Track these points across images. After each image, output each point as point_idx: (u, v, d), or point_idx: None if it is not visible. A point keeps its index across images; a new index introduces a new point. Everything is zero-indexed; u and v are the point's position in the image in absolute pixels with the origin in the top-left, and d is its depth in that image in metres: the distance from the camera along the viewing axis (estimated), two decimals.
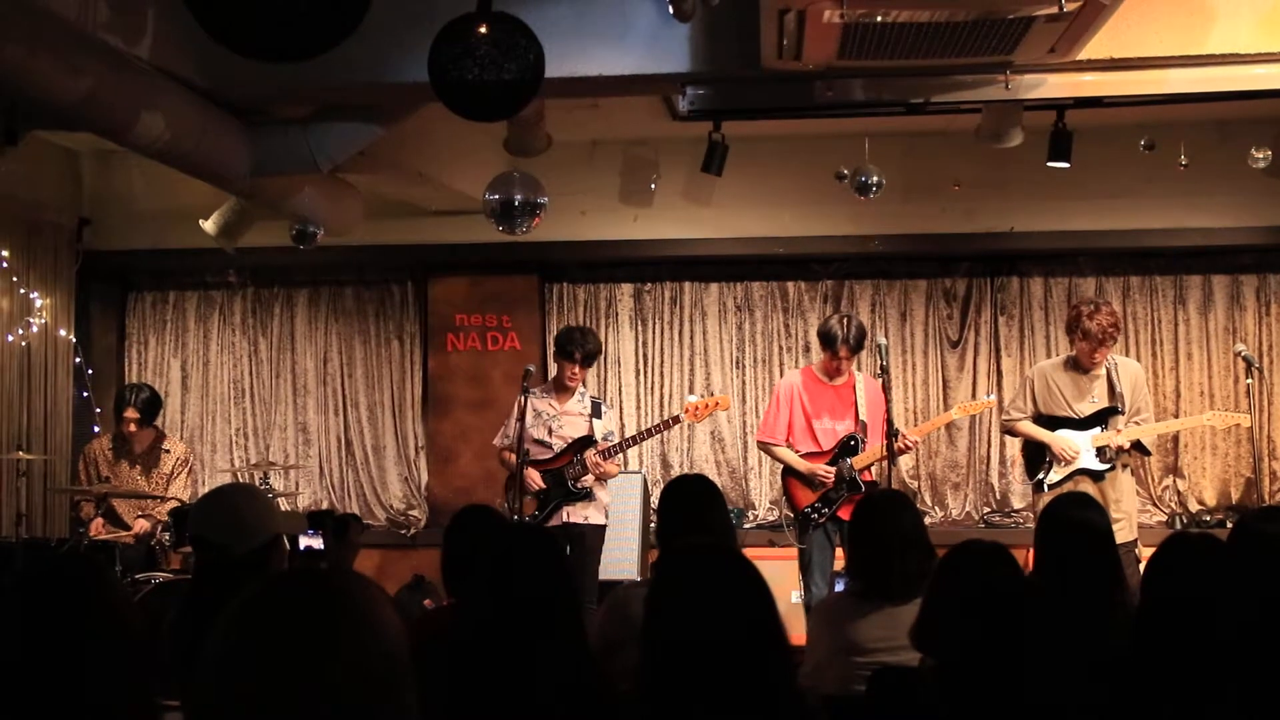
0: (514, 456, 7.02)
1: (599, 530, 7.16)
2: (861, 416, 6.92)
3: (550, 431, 7.15)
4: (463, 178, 8.08)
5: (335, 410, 9.61)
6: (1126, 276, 9.13)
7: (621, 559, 8.16)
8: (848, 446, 6.91)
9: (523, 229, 7.13)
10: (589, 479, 7.10)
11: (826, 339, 6.90)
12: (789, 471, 7.00)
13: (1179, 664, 2.80)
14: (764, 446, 7.25)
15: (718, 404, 7.44)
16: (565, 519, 7.04)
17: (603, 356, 9.36)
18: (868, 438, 6.88)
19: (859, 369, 6.87)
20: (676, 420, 7.44)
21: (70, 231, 9.02)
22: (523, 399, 7.01)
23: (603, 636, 3.86)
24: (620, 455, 7.28)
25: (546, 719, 2.69)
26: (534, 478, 7.06)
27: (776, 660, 2.47)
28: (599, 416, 7.26)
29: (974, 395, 9.12)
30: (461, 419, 9.24)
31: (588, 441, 7.15)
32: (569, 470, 7.08)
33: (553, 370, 7.69)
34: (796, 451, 6.97)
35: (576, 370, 7.16)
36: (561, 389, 7.24)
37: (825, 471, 6.86)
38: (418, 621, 4.84)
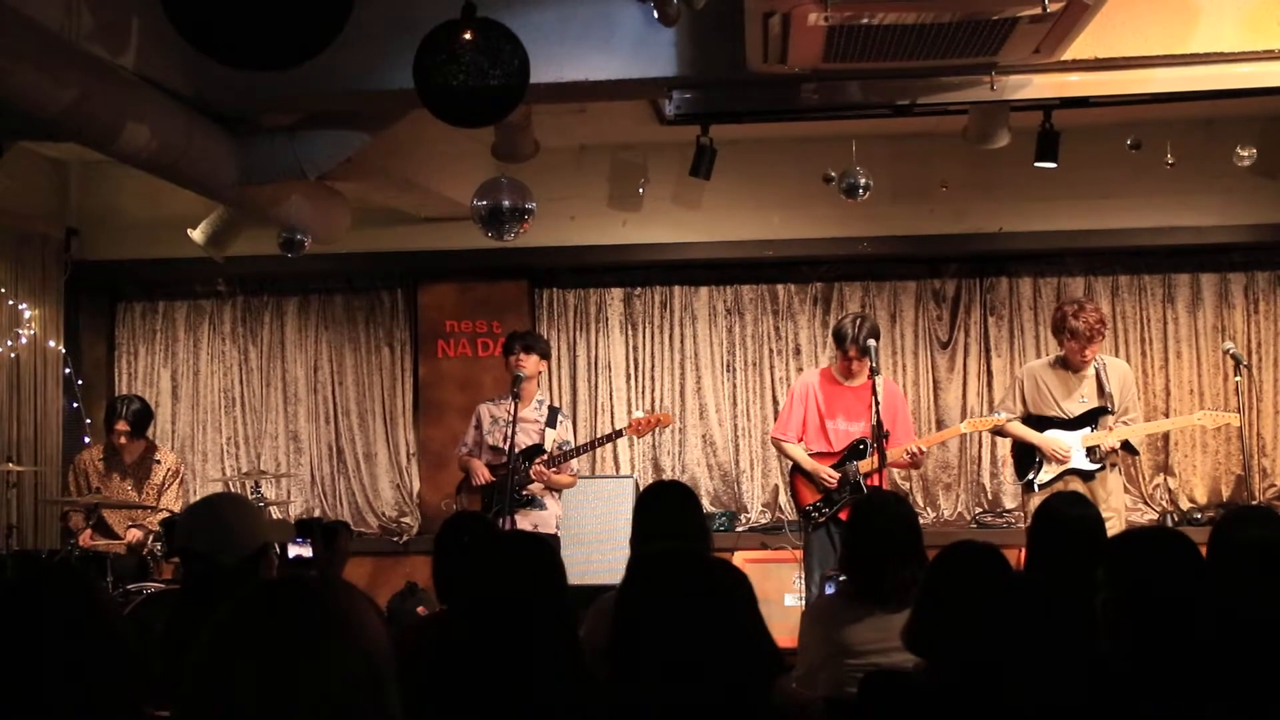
0: (471, 460, 7.21)
1: (552, 540, 7.05)
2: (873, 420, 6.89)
3: (505, 437, 7.10)
4: (450, 184, 8.08)
5: (326, 418, 9.60)
6: (1115, 275, 9.14)
7: (614, 564, 8.13)
8: (856, 450, 6.90)
9: (511, 235, 7.13)
10: (535, 488, 7.12)
11: (838, 338, 6.91)
12: (797, 469, 7.01)
13: (1148, 661, 2.80)
14: (775, 443, 7.29)
15: (659, 420, 7.44)
16: (514, 526, 6.98)
17: (593, 361, 9.39)
18: (889, 443, 6.81)
19: (877, 372, 6.79)
20: (619, 434, 7.48)
21: (58, 242, 9.01)
22: (514, 407, 7.01)
23: (588, 643, 3.84)
24: (572, 465, 7.29)
25: None
26: (482, 471, 7.11)
27: (751, 665, 2.44)
28: (553, 426, 7.28)
29: (964, 396, 9.14)
30: (453, 425, 9.20)
31: (536, 451, 7.17)
32: (514, 478, 7.06)
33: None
34: (808, 450, 6.98)
35: (521, 358, 7.15)
36: (518, 392, 7.15)
37: (830, 474, 6.86)
38: (411, 629, 4.84)
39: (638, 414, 7.59)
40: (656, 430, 7.66)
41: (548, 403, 7.47)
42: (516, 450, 7.06)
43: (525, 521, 7.06)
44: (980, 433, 9.04)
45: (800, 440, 7.05)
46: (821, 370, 7.28)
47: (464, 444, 7.42)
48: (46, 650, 2.14)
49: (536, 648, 2.78)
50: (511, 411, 7.04)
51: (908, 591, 3.71)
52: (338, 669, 1.59)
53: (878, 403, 6.58)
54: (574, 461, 7.39)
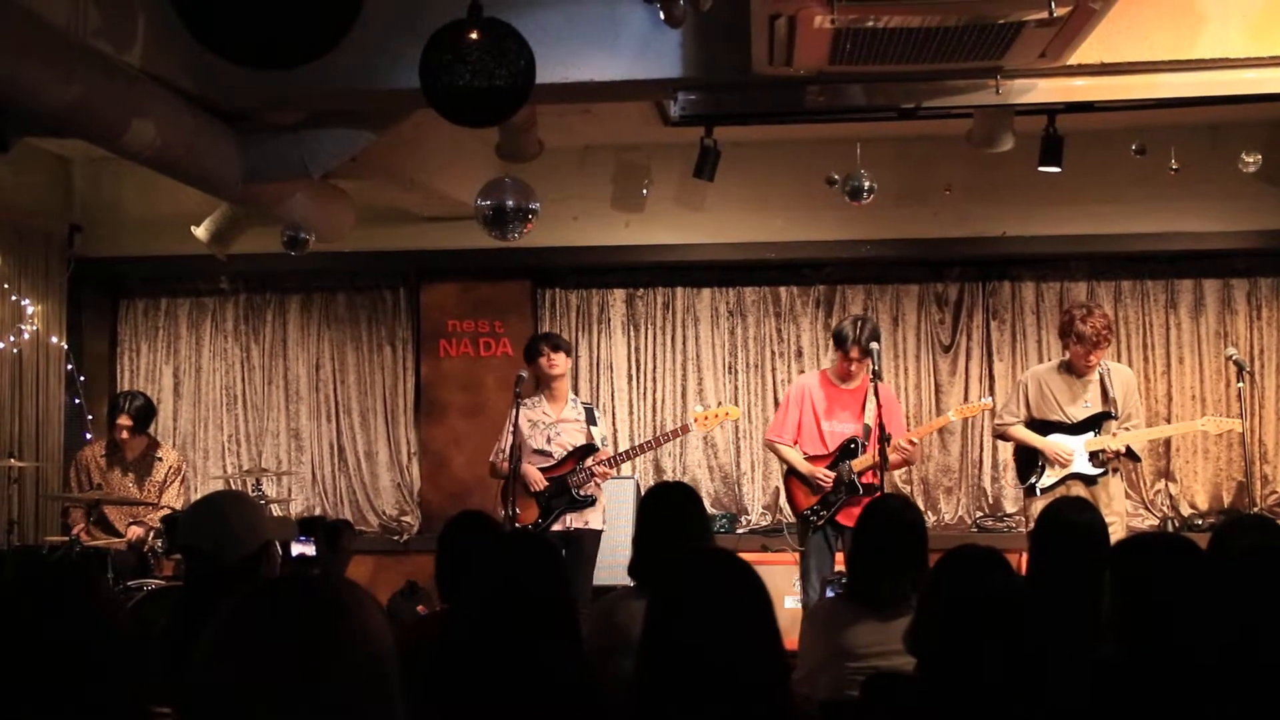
0: (507, 465, 7.08)
1: (596, 535, 7.20)
2: (866, 420, 6.91)
3: (549, 439, 7.21)
4: (454, 183, 8.08)
5: (328, 416, 9.60)
6: (1118, 281, 9.14)
7: (616, 565, 8.12)
8: (848, 450, 6.90)
9: (515, 235, 7.12)
10: (592, 486, 7.14)
11: (839, 339, 6.92)
12: (792, 472, 7.01)
13: (1150, 666, 2.80)
14: (771, 445, 7.28)
15: (728, 414, 7.47)
16: (568, 525, 7.09)
17: (595, 362, 9.39)
18: (869, 442, 6.84)
19: (879, 375, 6.83)
20: (686, 429, 7.49)
21: (62, 238, 9.01)
22: (514, 409, 7.04)
23: (592, 644, 3.85)
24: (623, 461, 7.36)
25: None
26: (536, 475, 7.08)
27: (774, 668, 2.46)
28: (594, 423, 7.31)
29: (966, 399, 9.11)
30: (454, 425, 9.23)
31: (589, 449, 7.20)
32: (573, 478, 7.12)
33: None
34: (803, 453, 6.99)
35: (552, 357, 7.22)
36: (551, 394, 7.27)
37: (825, 475, 6.86)
38: (411, 627, 4.84)
39: (698, 409, 7.57)
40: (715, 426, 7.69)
41: (580, 401, 7.53)
42: (566, 451, 7.17)
43: (579, 520, 7.13)
44: (981, 435, 9.08)
45: (795, 443, 7.05)
46: (819, 373, 7.29)
47: (500, 450, 7.28)
48: (48, 647, 2.13)
49: (539, 648, 2.78)
50: (549, 413, 7.23)
51: (907, 599, 3.70)
52: (341, 667, 1.59)
53: (879, 405, 6.57)
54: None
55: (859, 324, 6.87)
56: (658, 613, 2.55)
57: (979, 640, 2.81)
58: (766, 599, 2.54)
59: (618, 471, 7.45)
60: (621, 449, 7.43)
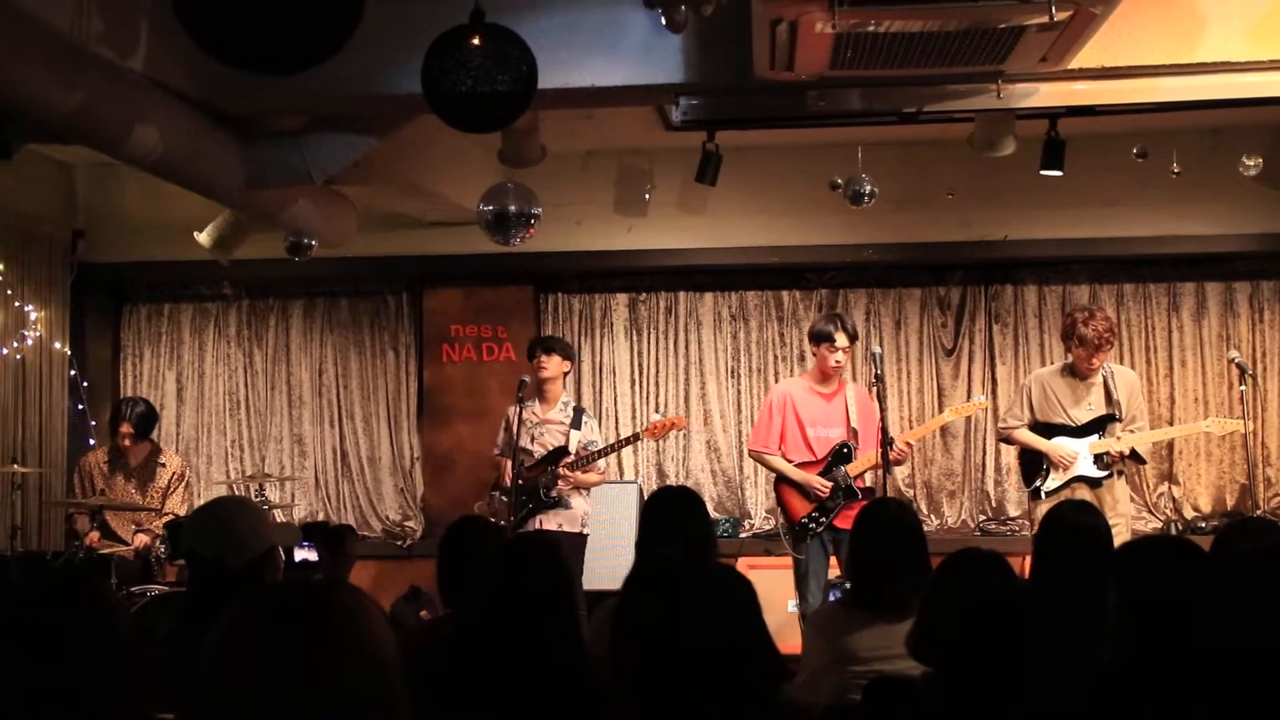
0: (505, 462, 7.31)
1: (573, 538, 7.18)
2: (853, 424, 6.92)
3: (533, 439, 7.37)
4: (457, 189, 8.08)
5: (330, 422, 9.61)
6: (1120, 284, 9.14)
7: (617, 569, 8.10)
8: (841, 454, 6.89)
9: (517, 240, 7.12)
10: (563, 488, 7.22)
11: (820, 335, 6.89)
12: (782, 480, 6.98)
13: (1152, 668, 2.80)
14: (756, 456, 7.22)
15: (673, 424, 7.57)
16: (538, 526, 7.21)
17: (598, 366, 9.39)
18: (860, 445, 6.87)
19: (851, 378, 6.87)
20: (637, 438, 7.56)
21: (65, 244, 9.01)
22: (516, 409, 7.14)
23: (592, 648, 3.84)
24: (599, 463, 7.43)
25: None
26: (509, 475, 7.22)
27: (748, 674, 2.43)
28: (578, 427, 7.39)
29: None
30: (457, 430, 9.23)
31: (562, 452, 7.30)
32: (541, 479, 7.24)
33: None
34: (790, 461, 6.95)
35: (542, 360, 7.40)
36: (543, 395, 7.46)
37: (821, 484, 6.82)
38: (414, 632, 4.84)
39: (655, 417, 7.70)
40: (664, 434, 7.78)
41: (573, 404, 7.63)
42: (545, 451, 7.33)
43: (550, 522, 7.22)
44: (983, 438, 9.08)
45: (780, 451, 7.02)
46: (796, 379, 7.30)
47: (496, 445, 7.62)
48: (52, 652, 2.14)
49: (541, 652, 2.78)
50: (537, 414, 7.42)
51: (910, 600, 3.70)
52: (344, 673, 1.59)
53: (882, 409, 6.57)
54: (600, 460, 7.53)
55: (838, 317, 6.94)
56: (619, 620, 2.53)
57: (982, 644, 2.81)
58: (743, 603, 2.50)
59: (602, 474, 7.53)
60: (585, 455, 7.44)
